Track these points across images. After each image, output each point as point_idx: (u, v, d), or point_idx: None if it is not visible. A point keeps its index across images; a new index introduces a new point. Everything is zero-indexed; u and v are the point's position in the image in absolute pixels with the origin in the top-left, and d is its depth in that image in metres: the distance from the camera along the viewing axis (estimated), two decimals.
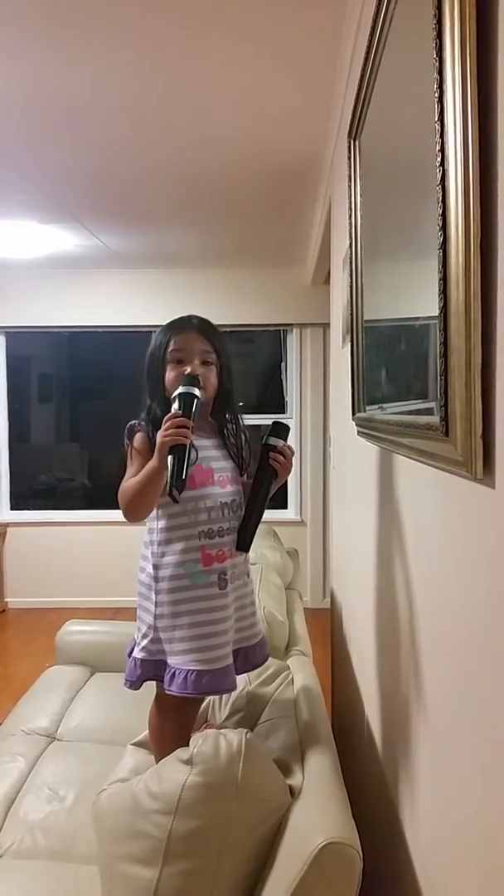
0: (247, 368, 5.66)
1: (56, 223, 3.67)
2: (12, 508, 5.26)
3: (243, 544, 1.42)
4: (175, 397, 1.35)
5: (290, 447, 1.45)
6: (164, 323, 1.49)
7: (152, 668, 1.40)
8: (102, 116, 2.35)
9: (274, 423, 1.47)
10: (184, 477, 1.29)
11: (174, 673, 1.36)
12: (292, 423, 5.03)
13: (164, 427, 1.31)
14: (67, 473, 5.98)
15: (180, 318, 1.49)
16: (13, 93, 2.16)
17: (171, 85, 2.13)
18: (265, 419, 4.98)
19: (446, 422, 0.71)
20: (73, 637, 2.61)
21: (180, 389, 1.35)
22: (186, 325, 1.46)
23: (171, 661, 1.38)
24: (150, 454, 1.37)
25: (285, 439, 1.46)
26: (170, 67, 2.01)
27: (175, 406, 1.34)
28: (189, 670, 1.35)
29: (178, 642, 1.38)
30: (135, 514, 1.39)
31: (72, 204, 3.38)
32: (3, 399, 5.23)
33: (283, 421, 1.49)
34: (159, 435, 1.31)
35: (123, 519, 1.41)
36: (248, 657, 1.49)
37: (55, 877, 1.44)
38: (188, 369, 1.40)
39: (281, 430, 1.46)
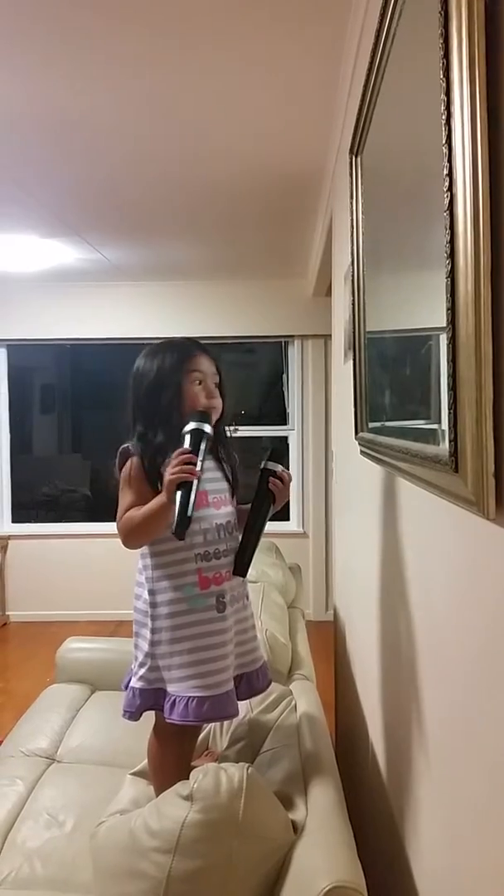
0: (248, 379, 5.64)
1: (57, 237, 3.66)
2: (14, 520, 5.23)
3: (241, 569, 1.39)
4: (185, 433, 1.32)
5: (288, 473, 1.43)
6: (165, 335, 1.46)
7: (151, 698, 1.37)
8: (103, 131, 2.33)
9: (273, 448, 1.45)
10: (189, 514, 1.25)
11: (174, 701, 1.33)
12: (294, 435, 5.02)
13: (172, 463, 1.28)
14: (69, 484, 5.96)
15: (183, 341, 1.46)
16: (14, 107, 2.15)
17: (172, 100, 2.11)
18: (266, 431, 5.02)
19: (455, 457, 0.68)
20: (73, 654, 2.57)
21: (191, 426, 1.32)
22: (197, 348, 1.43)
23: (170, 688, 1.35)
24: (144, 481, 1.35)
25: (284, 464, 1.44)
26: (170, 83, 2.00)
27: (186, 442, 1.31)
28: (190, 697, 1.32)
29: (178, 669, 1.35)
30: (135, 544, 1.38)
31: (73, 218, 3.37)
32: (4, 410, 5.21)
33: (280, 446, 1.48)
34: (168, 471, 1.28)
35: None
36: (250, 683, 1.45)
37: None
38: (206, 402, 1.39)
39: (280, 455, 1.44)
